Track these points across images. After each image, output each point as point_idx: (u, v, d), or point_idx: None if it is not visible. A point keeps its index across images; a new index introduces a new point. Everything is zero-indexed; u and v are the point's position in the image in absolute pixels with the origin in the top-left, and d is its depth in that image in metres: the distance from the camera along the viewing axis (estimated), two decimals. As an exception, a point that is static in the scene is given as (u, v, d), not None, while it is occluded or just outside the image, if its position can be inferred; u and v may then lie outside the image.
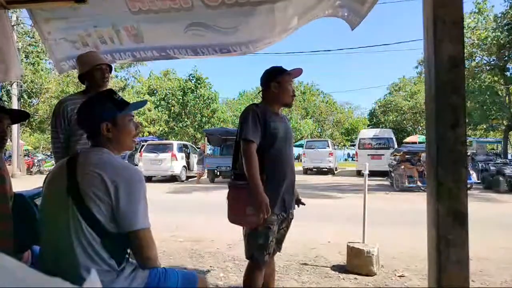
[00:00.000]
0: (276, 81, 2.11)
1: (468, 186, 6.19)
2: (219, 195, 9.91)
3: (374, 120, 35.20)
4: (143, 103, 1.62)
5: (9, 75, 2.60)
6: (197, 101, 22.83)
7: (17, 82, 16.67)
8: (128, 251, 1.33)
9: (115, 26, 2.53)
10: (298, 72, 2.21)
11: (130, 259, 1.35)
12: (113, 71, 2.49)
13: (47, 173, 1.53)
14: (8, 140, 1.79)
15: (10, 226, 1.50)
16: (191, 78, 23.72)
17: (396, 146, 15.31)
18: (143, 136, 22.81)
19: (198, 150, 15.07)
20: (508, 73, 16.89)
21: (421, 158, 11.01)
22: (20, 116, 1.84)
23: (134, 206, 1.24)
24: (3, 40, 2.45)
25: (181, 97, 23.47)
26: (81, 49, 2.64)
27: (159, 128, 25.00)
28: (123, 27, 2.53)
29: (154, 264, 1.34)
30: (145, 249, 1.28)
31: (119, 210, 1.22)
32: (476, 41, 15.50)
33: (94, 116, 1.37)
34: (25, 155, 18.88)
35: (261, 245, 1.99)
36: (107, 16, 2.49)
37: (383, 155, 14.98)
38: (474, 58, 16.59)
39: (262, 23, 2.41)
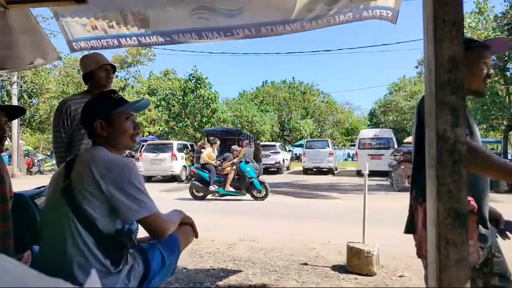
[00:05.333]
0: None
1: (468, 186, 6.17)
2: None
3: (374, 120, 35.23)
4: (144, 102, 1.52)
5: (49, 58, 2.83)
6: (197, 101, 22.85)
7: (17, 82, 16.68)
8: (125, 252, 1.33)
9: (122, 11, 2.59)
10: (501, 43, 1.57)
11: (128, 259, 1.35)
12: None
13: (47, 173, 1.54)
14: (8, 140, 1.79)
15: (10, 227, 1.50)
16: (191, 78, 23.74)
17: (396, 146, 15.31)
18: (143, 136, 22.81)
19: (196, 149, 15.06)
20: (508, 73, 16.89)
21: (421, 158, 11.00)
22: (17, 113, 1.83)
23: (132, 196, 1.25)
24: (35, 33, 2.66)
25: (181, 97, 23.48)
26: (91, 32, 2.75)
27: (159, 128, 25.00)
28: (130, 12, 2.59)
29: (168, 234, 1.40)
30: (156, 232, 1.34)
31: (118, 203, 1.22)
32: (476, 41, 15.48)
33: (89, 115, 1.40)
34: (25, 155, 18.86)
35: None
36: (114, 2, 2.56)
37: (383, 155, 14.98)
38: (474, 58, 16.56)
39: (266, 6, 2.44)
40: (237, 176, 8.53)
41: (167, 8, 2.51)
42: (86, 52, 2.76)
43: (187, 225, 1.67)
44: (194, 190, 8.62)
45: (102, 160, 1.27)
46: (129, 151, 13.37)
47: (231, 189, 8.46)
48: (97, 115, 1.38)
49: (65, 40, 2.87)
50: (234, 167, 8.47)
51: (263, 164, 14.03)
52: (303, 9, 2.43)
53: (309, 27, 2.52)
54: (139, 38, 2.73)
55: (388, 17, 2.44)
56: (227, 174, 8.51)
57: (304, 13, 2.45)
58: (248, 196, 8.46)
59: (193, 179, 8.69)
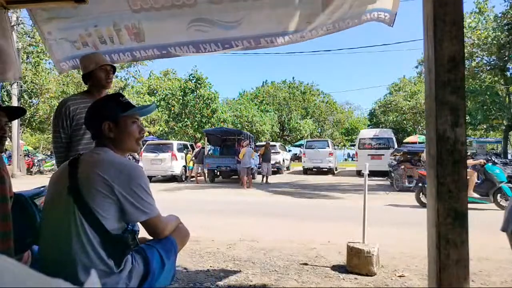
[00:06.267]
0: None
1: (468, 186, 6.17)
2: (219, 195, 9.91)
3: (374, 120, 35.22)
4: (152, 107, 1.61)
5: (6, 76, 2.53)
6: (197, 101, 22.84)
7: (17, 82, 16.67)
8: (128, 252, 1.33)
9: (116, 25, 2.53)
10: None
11: (130, 259, 1.35)
12: None
13: (47, 173, 1.55)
14: (8, 140, 1.79)
15: (10, 227, 1.50)
16: (191, 78, 23.73)
17: (396, 146, 15.30)
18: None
19: (196, 150, 15.06)
20: (508, 73, 16.89)
21: (421, 158, 11.00)
22: (17, 113, 1.83)
23: (141, 198, 1.30)
24: (2, 40, 2.41)
25: (181, 97, 23.48)
26: (81, 49, 2.66)
27: (159, 128, 24.98)
28: (124, 26, 2.53)
29: (166, 235, 1.52)
30: (157, 232, 1.46)
31: (126, 204, 1.26)
32: (476, 41, 15.49)
33: (97, 116, 1.43)
34: (25, 155, 18.86)
35: None
36: (108, 15, 2.50)
37: (383, 155, 14.98)
38: (474, 58, 16.57)
39: (266, 18, 2.43)
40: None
41: (163, 20, 2.46)
42: (75, 71, 2.68)
43: (183, 227, 1.70)
44: (423, 197, 7.11)
45: (112, 163, 1.30)
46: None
47: (475, 195, 6.97)
48: (106, 116, 1.42)
49: (53, 61, 2.79)
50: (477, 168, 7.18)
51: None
52: (302, 21, 2.42)
53: (309, 37, 2.50)
54: (134, 52, 2.65)
55: (385, 19, 2.44)
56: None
57: (304, 25, 2.43)
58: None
59: (419, 183, 7.20)
